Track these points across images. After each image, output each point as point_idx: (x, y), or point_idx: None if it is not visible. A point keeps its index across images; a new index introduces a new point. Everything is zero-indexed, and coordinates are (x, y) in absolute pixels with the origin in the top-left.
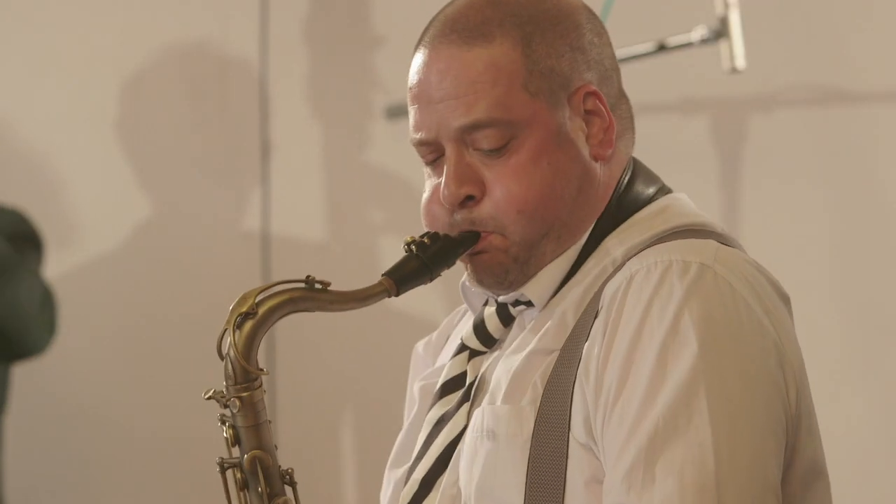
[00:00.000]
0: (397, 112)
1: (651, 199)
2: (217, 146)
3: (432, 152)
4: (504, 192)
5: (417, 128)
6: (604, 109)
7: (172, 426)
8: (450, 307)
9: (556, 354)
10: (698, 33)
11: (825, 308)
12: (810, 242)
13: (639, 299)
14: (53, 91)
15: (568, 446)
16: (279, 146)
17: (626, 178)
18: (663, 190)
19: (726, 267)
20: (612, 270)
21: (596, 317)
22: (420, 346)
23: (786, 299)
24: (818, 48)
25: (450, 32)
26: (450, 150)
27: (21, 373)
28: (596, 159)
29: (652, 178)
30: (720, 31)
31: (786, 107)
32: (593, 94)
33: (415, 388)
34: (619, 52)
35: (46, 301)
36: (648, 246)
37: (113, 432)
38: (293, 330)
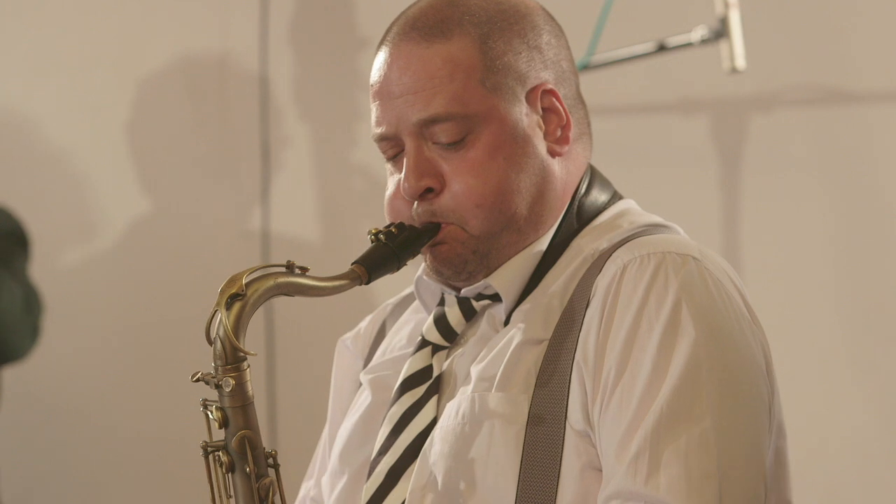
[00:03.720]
0: None
1: (608, 204)
2: (217, 146)
3: (393, 147)
4: (462, 186)
5: (378, 123)
6: (560, 107)
7: (172, 426)
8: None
9: (545, 344)
10: (698, 33)
11: (825, 307)
12: (810, 242)
13: (635, 288)
14: (54, 91)
15: (564, 433)
16: (279, 146)
17: (586, 183)
18: (616, 196)
19: (710, 262)
20: (596, 259)
21: (588, 306)
22: (348, 339)
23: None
24: (818, 48)
25: (410, 30)
26: (409, 145)
27: (20, 373)
28: (553, 155)
29: (607, 184)
30: (720, 31)
31: (786, 107)
32: (550, 92)
33: (362, 378)
34: (619, 53)
35: (29, 304)
36: (630, 237)
37: (109, 432)
38: (290, 314)
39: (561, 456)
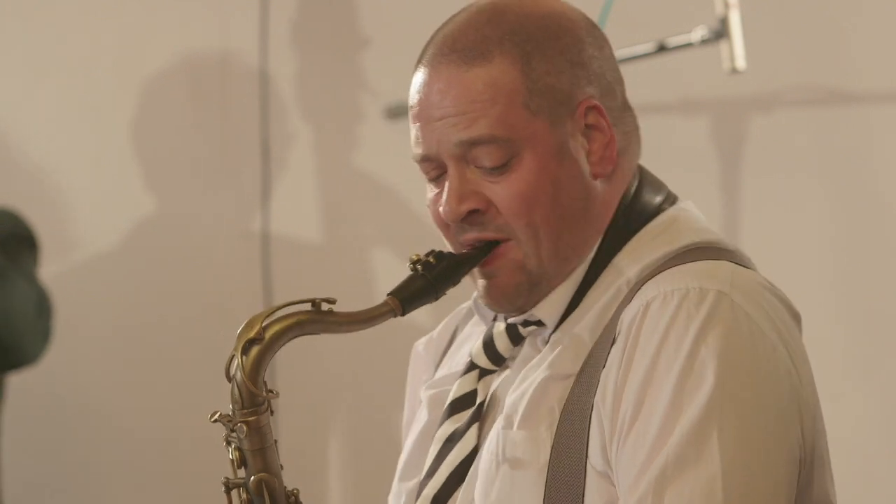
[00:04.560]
0: (397, 112)
1: (658, 209)
2: (217, 147)
3: (434, 168)
4: (508, 208)
5: (418, 143)
6: (605, 124)
7: (172, 427)
8: (444, 315)
9: (572, 379)
10: (698, 33)
11: (825, 308)
12: (810, 242)
13: (655, 328)
14: (54, 91)
15: (585, 473)
16: (279, 147)
17: (633, 190)
18: (670, 198)
19: (742, 293)
20: (627, 292)
21: (613, 343)
22: (420, 345)
23: (797, 318)
24: (818, 48)
25: (449, 52)
26: (451, 168)
27: (22, 374)
28: (595, 177)
29: (658, 186)
30: (720, 31)
31: (786, 107)
32: (595, 108)
33: (422, 395)
34: (619, 53)
35: (41, 308)
36: (662, 267)
37: (112, 433)
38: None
39: (583, 496)
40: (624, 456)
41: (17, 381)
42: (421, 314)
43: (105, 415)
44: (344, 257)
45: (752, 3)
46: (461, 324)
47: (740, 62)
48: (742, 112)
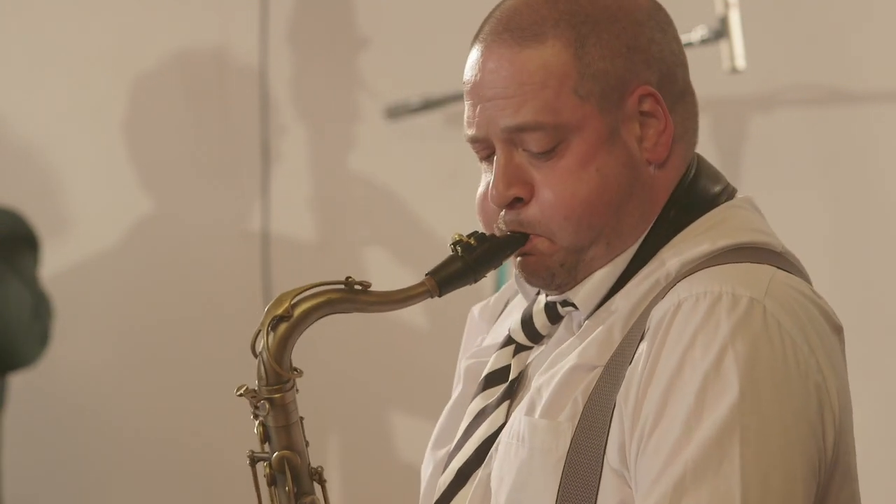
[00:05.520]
0: (397, 112)
1: (713, 202)
2: (217, 146)
3: (485, 148)
4: (551, 197)
5: (469, 124)
6: (661, 111)
7: (172, 427)
8: (455, 309)
9: (598, 371)
10: (698, 33)
11: None
12: (810, 242)
13: (683, 331)
14: (53, 91)
15: (602, 469)
16: (279, 146)
17: (688, 180)
18: (727, 191)
19: (777, 301)
20: (664, 286)
21: (642, 338)
22: (476, 309)
23: (838, 329)
24: (818, 48)
25: (503, 31)
26: (499, 150)
27: (22, 375)
28: (649, 163)
29: (716, 177)
30: (720, 31)
31: (786, 107)
32: (650, 95)
33: (461, 364)
34: None
35: (39, 310)
36: (702, 265)
37: (112, 433)
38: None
39: (597, 491)
40: (645, 459)
41: (15, 380)
42: (418, 316)
43: (105, 415)
44: (344, 257)
45: (752, 3)
46: (513, 296)
47: (740, 62)
48: (742, 111)
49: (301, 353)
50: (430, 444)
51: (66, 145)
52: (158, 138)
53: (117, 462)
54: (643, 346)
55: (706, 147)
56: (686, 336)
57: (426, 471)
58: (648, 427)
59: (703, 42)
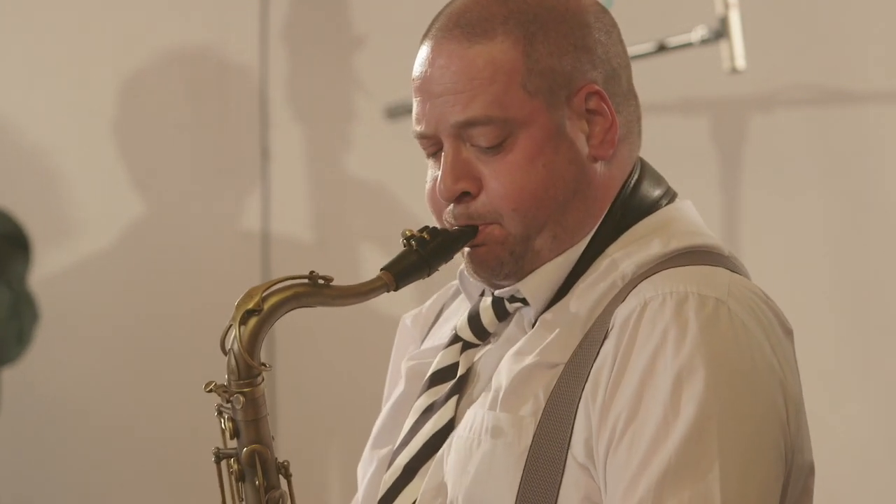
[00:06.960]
0: (397, 112)
1: (656, 204)
2: (217, 147)
3: (432, 145)
4: (499, 190)
5: (418, 121)
6: (607, 108)
7: (171, 427)
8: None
9: (559, 368)
10: (698, 33)
11: (825, 307)
12: (810, 242)
13: (653, 330)
14: (53, 92)
15: (565, 463)
16: (278, 147)
17: (633, 181)
18: (668, 194)
19: (739, 302)
20: (622, 286)
21: (605, 338)
22: (408, 318)
23: (788, 332)
24: (818, 48)
25: (453, 27)
26: (447, 146)
27: (18, 374)
28: (596, 159)
29: (658, 180)
30: (720, 31)
31: (786, 107)
32: (596, 93)
33: (402, 366)
34: None
35: (17, 309)
36: (659, 267)
37: (110, 433)
38: (293, 322)
39: (559, 485)
40: (618, 457)
41: (12, 380)
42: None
43: (104, 415)
44: (342, 256)
45: (752, 3)
46: (448, 301)
47: (740, 62)
48: (742, 112)
49: (300, 352)
50: (368, 444)
51: (67, 147)
52: (157, 138)
53: (116, 461)
54: (609, 345)
55: (706, 147)
56: (656, 334)
57: (366, 470)
58: (621, 425)
59: (703, 42)
